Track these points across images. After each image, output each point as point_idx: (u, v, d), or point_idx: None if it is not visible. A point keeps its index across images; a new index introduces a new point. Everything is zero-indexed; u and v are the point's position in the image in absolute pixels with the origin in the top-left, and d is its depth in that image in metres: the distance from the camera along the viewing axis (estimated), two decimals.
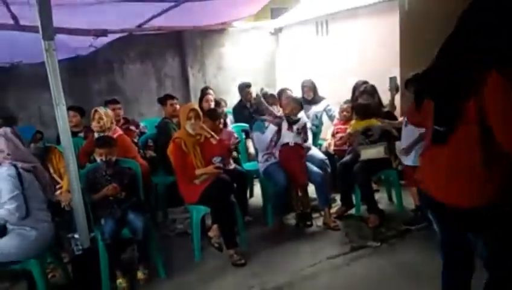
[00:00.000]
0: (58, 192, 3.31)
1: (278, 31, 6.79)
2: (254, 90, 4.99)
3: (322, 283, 2.99)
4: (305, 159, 3.98)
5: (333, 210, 4.06)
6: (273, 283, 3.01)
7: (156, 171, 4.19)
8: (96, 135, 3.77)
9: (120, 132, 3.92)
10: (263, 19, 6.84)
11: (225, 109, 4.99)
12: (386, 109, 4.11)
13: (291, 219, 4.05)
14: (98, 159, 3.24)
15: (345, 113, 4.48)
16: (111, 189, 3.12)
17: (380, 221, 3.78)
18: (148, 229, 3.13)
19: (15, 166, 2.72)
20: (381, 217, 3.83)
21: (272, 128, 3.83)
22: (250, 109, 5.00)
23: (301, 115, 4.09)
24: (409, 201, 3.97)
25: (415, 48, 4.27)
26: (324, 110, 4.90)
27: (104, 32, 4.35)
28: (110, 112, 3.93)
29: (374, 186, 4.40)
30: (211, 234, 3.48)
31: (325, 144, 4.57)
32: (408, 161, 3.54)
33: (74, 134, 3.97)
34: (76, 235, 2.96)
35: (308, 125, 4.16)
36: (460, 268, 1.98)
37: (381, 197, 4.35)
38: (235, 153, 4.43)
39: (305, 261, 3.28)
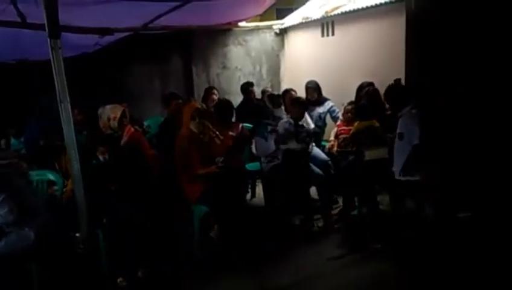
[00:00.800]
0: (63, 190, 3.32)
1: (283, 31, 6.80)
2: (257, 91, 5.00)
3: (322, 284, 2.98)
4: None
5: (335, 211, 4.06)
6: (274, 284, 3.01)
7: None
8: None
9: (132, 130, 3.91)
10: (268, 20, 6.85)
11: None
12: (390, 112, 4.10)
13: (294, 220, 4.05)
14: (101, 158, 3.25)
15: (348, 114, 4.46)
16: None
17: (382, 223, 3.78)
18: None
19: None
20: (382, 219, 3.82)
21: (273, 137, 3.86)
22: (254, 109, 5.00)
23: (305, 116, 4.10)
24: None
25: (420, 50, 4.25)
26: (328, 111, 4.90)
27: (110, 31, 4.36)
28: (118, 110, 3.92)
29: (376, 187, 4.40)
30: (212, 234, 3.49)
31: (328, 145, 4.56)
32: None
33: (79, 131, 3.97)
34: (77, 234, 2.95)
35: (312, 126, 4.16)
36: None
37: (382, 199, 4.33)
38: None
39: (306, 262, 3.28)
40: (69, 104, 2.83)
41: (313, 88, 4.92)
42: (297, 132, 3.84)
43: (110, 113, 3.58)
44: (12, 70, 5.27)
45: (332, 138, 4.56)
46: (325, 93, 5.01)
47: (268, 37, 6.84)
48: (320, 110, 4.87)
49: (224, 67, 6.65)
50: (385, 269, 3.10)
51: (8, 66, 5.23)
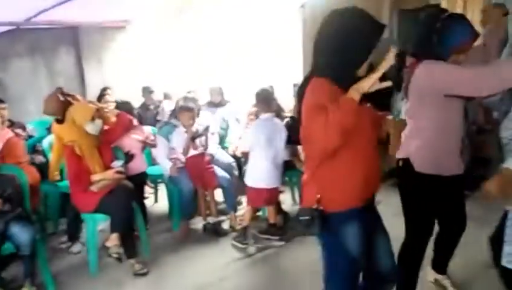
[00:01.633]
0: None
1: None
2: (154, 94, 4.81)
3: (228, 285, 2.96)
4: (212, 163, 3.93)
5: (240, 213, 4.07)
6: (179, 287, 2.92)
7: (47, 178, 3.78)
8: None
9: (10, 134, 3.46)
10: None
11: None
12: (290, 114, 4.25)
13: (197, 224, 3.96)
14: None
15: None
16: None
17: (285, 221, 3.88)
18: (35, 242, 2.79)
19: None
20: (285, 217, 3.93)
21: (179, 137, 3.74)
22: (154, 111, 4.83)
23: (205, 120, 4.05)
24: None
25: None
26: (231, 113, 4.91)
27: None
28: None
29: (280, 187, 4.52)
30: (109, 243, 3.23)
31: (232, 147, 4.56)
32: (248, 181, 3.52)
33: None
34: None
35: (213, 129, 4.12)
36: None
37: (285, 198, 4.47)
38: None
39: (211, 265, 3.23)
40: None
41: (217, 91, 4.92)
42: (193, 138, 3.76)
43: None
44: None
45: (236, 140, 4.57)
46: (233, 96, 5.04)
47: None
48: (224, 112, 4.87)
49: (118, 66, 6.26)
50: (288, 265, 3.19)
51: None
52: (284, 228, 3.77)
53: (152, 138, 4.01)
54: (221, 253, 3.42)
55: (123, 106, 4.02)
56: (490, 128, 3.32)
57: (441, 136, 2.03)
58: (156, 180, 4.52)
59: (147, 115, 5.04)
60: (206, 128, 3.83)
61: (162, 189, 4.46)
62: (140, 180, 3.86)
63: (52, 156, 3.63)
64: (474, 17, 4.80)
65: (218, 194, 4.00)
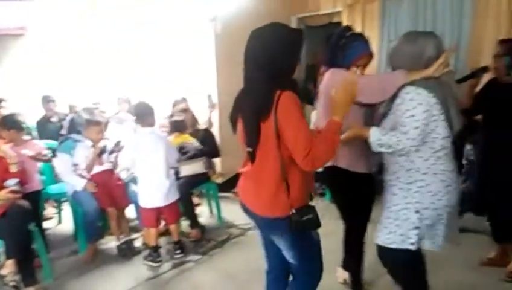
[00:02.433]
0: None
1: None
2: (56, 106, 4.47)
3: None
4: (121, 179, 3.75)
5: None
6: None
7: None
8: None
9: None
10: None
11: None
12: (204, 126, 4.23)
13: (108, 243, 3.73)
14: None
15: (162, 128, 4.41)
16: None
17: (202, 234, 3.82)
18: None
19: None
20: (202, 230, 3.87)
21: (84, 153, 3.51)
22: (58, 124, 4.47)
23: (113, 133, 3.86)
24: (228, 213, 4.15)
25: (228, 69, 4.55)
26: None
27: None
28: None
29: (196, 200, 4.46)
30: (4, 271, 2.89)
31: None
32: (151, 202, 3.33)
33: None
34: None
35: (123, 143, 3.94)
36: (275, 269, 2.11)
37: (202, 211, 4.42)
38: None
39: (123, 286, 3.04)
40: None
41: (124, 101, 4.73)
42: (101, 153, 3.57)
43: None
44: None
45: None
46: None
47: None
48: (132, 123, 4.68)
49: (13, 75, 5.73)
50: (205, 278, 3.13)
51: None
52: (201, 241, 3.72)
53: (45, 152, 3.66)
54: (134, 273, 3.24)
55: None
56: None
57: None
58: (59, 199, 4.17)
59: (49, 127, 4.63)
60: (117, 144, 3.63)
61: (67, 209, 4.13)
62: (35, 199, 3.48)
63: None
64: (372, 33, 5.25)
65: (131, 210, 3.82)
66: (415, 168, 1.88)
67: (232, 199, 4.46)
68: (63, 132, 4.27)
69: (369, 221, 2.51)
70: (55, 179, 4.08)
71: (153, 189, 3.28)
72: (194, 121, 4.24)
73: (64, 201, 4.18)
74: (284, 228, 1.79)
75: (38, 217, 3.49)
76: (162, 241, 3.69)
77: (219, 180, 4.32)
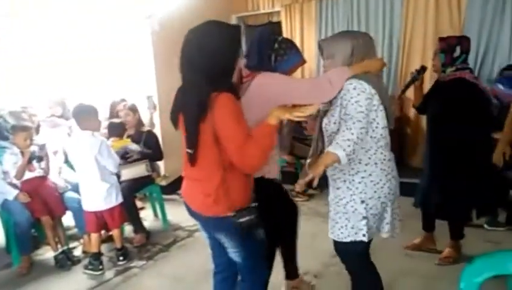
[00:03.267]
0: None
1: None
2: None
3: None
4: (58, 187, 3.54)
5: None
6: None
7: None
8: None
9: None
10: None
11: None
12: (146, 128, 4.10)
13: (46, 254, 3.52)
14: None
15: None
16: None
17: (147, 239, 3.72)
18: None
19: None
20: (147, 235, 3.77)
21: (12, 160, 3.28)
22: None
23: (45, 138, 3.64)
24: (174, 216, 4.08)
25: (167, 68, 4.46)
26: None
27: None
28: None
29: (140, 204, 4.33)
30: None
31: None
32: (92, 206, 3.22)
33: None
34: None
35: (56, 147, 3.72)
36: (222, 270, 2.10)
37: (147, 215, 4.30)
38: None
39: None
40: None
41: (57, 103, 4.47)
42: (30, 160, 3.35)
43: None
44: None
45: None
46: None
47: None
48: (69, 126, 4.44)
49: None
50: (151, 283, 3.06)
51: None
52: (146, 245, 3.62)
53: None
54: (74, 284, 3.08)
55: None
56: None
57: None
58: None
59: None
60: (41, 148, 3.41)
61: None
62: None
63: None
64: (310, 32, 5.41)
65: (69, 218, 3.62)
66: (357, 159, 1.94)
67: (178, 201, 4.39)
68: None
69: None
70: None
71: (92, 193, 3.17)
72: (140, 123, 4.08)
73: None
74: (227, 227, 1.80)
75: None
76: (104, 248, 3.54)
77: (163, 183, 4.23)
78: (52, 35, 4.86)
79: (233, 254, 1.92)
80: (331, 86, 1.93)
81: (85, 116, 3.14)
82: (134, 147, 3.81)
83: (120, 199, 3.30)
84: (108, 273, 3.20)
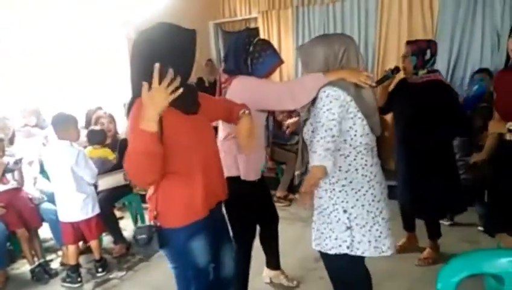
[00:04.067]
0: None
1: None
2: None
3: None
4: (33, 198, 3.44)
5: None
6: None
7: None
8: None
9: None
10: None
11: None
12: (122, 136, 4.04)
13: (22, 268, 3.42)
14: None
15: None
16: None
17: (127, 250, 3.66)
18: None
19: None
20: (127, 245, 3.70)
21: None
22: None
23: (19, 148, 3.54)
24: None
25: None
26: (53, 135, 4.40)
27: None
28: None
29: (119, 213, 4.25)
30: None
31: None
32: (68, 217, 3.15)
33: None
34: None
35: (32, 157, 3.62)
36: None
37: (126, 225, 4.22)
38: None
39: None
40: None
41: (30, 112, 4.37)
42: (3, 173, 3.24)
43: None
44: None
45: None
46: None
47: None
48: (44, 136, 4.34)
49: None
50: None
51: None
52: (126, 256, 3.56)
53: None
54: None
55: None
56: None
57: None
58: None
59: None
60: (17, 162, 3.31)
61: None
62: None
63: None
64: (287, 38, 5.46)
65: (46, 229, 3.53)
66: (336, 167, 1.86)
67: None
68: None
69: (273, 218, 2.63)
70: None
71: (68, 203, 3.10)
72: (116, 131, 4.03)
73: None
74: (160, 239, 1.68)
75: None
76: (82, 260, 3.47)
77: (142, 191, 4.16)
78: (25, 39, 4.76)
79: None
80: (305, 91, 1.91)
81: (64, 125, 3.08)
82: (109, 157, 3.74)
83: (97, 210, 3.24)
84: (87, 286, 3.14)
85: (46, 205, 3.45)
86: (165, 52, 1.52)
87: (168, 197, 1.65)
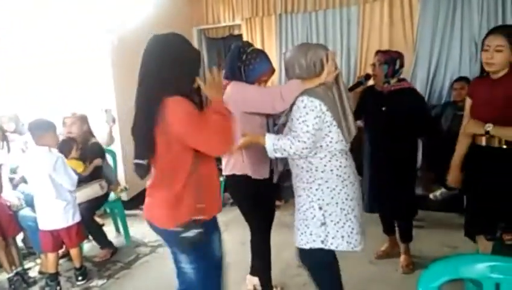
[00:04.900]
0: None
1: None
2: None
3: None
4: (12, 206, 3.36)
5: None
6: None
7: None
8: None
9: None
10: None
11: None
12: (95, 140, 3.94)
13: None
14: None
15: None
16: None
17: (112, 254, 3.63)
18: None
19: None
20: (113, 250, 3.68)
21: None
22: None
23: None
24: (136, 231, 3.99)
25: (126, 82, 4.37)
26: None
27: None
28: None
29: (99, 220, 4.18)
30: None
31: None
32: (47, 225, 3.08)
33: None
34: None
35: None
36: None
37: (107, 231, 4.14)
38: None
39: None
40: None
41: (8, 118, 4.28)
42: None
43: None
44: None
45: None
46: None
47: None
48: (21, 142, 4.25)
49: None
50: None
51: None
52: (107, 263, 3.50)
53: None
54: None
55: None
56: None
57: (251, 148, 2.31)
58: None
59: None
60: None
61: None
62: None
63: None
64: (271, 45, 5.50)
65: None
66: (313, 168, 2.02)
67: (140, 216, 4.28)
68: None
69: (272, 224, 2.65)
70: None
71: (48, 211, 3.03)
72: (87, 135, 3.88)
73: None
74: (176, 242, 1.77)
75: None
76: (62, 268, 3.40)
77: (123, 195, 4.11)
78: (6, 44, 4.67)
79: (188, 271, 1.86)
80: (282, 98, 2.06)
81: (42, 131, 3.02)
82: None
83: (78, 218, 3.16)
84: None
85: (24, 212, 3.37)
86: (196, 56, 1.80)
87: (203, 192, 1.74)
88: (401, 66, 2.85)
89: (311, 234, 2.03)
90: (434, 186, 4.33)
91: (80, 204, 3.41)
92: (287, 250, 2.97)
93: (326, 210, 2.00)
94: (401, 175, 2.91)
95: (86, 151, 3.69)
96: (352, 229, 2.04)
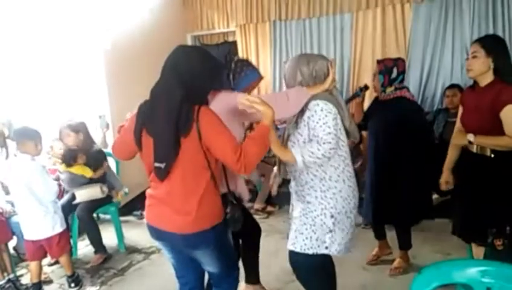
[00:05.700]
0: None
1: None
2: None
3: None
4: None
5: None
6: None
7: None
8: None
9: None
10: None
11: None
12: (98, 147, 3.96)
13: None
14: None
15: (51, 152, 4.03)
16: None
17: (104, 259, 3.61)
18: None
19: None
20: (107, 256, 3.66)
21: None
22: None
23: None
24: (130, 238, 3.96)
25: (120, 87, 4.38)
26: None
27: None
28: None
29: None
30: None
31: None
32: (27, 234, 3.04)
33: None
34: None
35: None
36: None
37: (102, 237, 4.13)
38: None
39: None
40: None
41: (3, 124, 4.25)
42: None
43: None
44: None
45: None
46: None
47: None
48: (14, 146, 4.22)
49: None
50: None
51: None
52: (100, 270, 3.48)
53: None
54: None
55: None
56: None
57: None
58: None
59: None
60: None
61: None
62: None
63: None
64: (265, 51, 5.53)
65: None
66: (327, 177, 2.03)
67: (133, 222, 4.27)
68: None
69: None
70: None
71: (28, 221, 2.99)
72: (86, 143, 3.90)
73: None
74: (207, 241, 1.87)
75: None
76: (54, 275, 3.37)
77: (119, 199, 4.08)
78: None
79: (210, 266, 1.99)
80: (289, 103, 2.03)
81: (23, 138, 2.97)
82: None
83: (59, 229, 3.07)
84: None
85: (16, 218, 3.35)
86: (222, 70, 2.08)
87: (212, 201, 1.87)
88: (400, 73, 2.86)
89: (317, 240, 2.04)
90: None
91: (79, 203, 3.48)
92: (280, 256, 2.97)
93: (336, 218, 2.03)
94: (398, 181, 2.90)
95: (90, 159, 3.69)
96: (351, 235, 2.13)
